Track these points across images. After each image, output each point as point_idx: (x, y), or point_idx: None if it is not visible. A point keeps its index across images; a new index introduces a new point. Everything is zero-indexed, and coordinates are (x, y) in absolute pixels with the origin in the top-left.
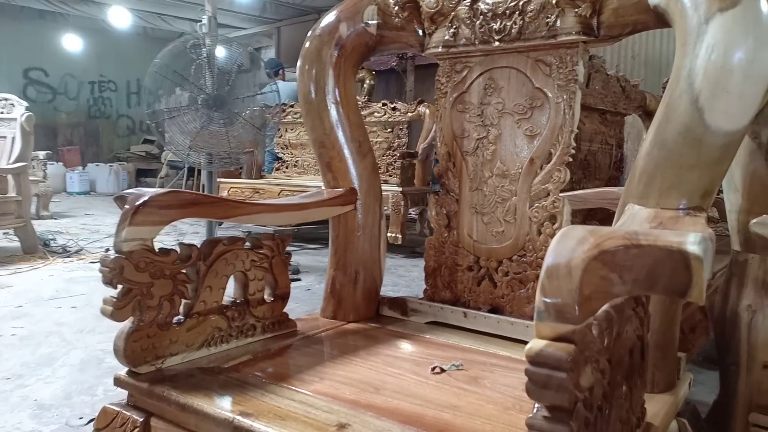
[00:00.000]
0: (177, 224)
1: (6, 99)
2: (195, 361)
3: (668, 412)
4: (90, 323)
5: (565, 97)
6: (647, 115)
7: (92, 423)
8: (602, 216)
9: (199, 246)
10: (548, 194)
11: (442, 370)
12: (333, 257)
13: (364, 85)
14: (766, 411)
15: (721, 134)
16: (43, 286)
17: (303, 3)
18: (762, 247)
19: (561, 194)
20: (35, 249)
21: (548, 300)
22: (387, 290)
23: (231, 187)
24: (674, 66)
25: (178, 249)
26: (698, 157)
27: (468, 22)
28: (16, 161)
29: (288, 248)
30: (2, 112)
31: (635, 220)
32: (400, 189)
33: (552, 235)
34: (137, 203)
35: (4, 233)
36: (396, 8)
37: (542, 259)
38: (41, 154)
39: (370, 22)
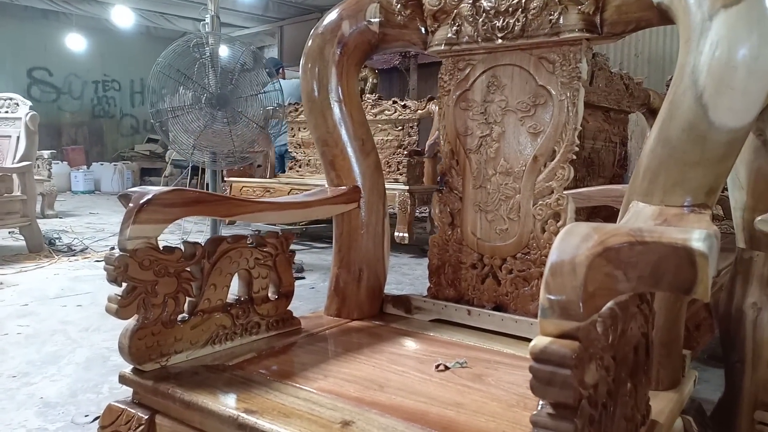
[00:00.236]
0: (182, 223)
1: (10, 98)
2: (199, 358)
3: (673, 409)
4: (95, 321)
5: (568, 94)
6: (651, 112)
7: (97, 420)
8: (606, 214)
9: (203, 244)
10: (552, 192)
11: (446, 368)
12: (337, 255)
13: (368, 84)
14: None
15: (726, 131)
16: (48, 284)
17: (305, 2)
18: (767, 244)
19: (565, 192)
20: (40, 248)
21: (552, 297)
22: (391, 288)
23: (243, 186)
24: (678, 63)
25: (182, 247)
26: (702, 154)
27: (471, 19)
28: (20, 160)
29: (295, 247)
30: (7, 112)
31: (639, 217)
32: (407, 187)
33: (556, 233)
34: (141, 201)
35: (10, 232)
36: (398, 6)
37: (546, 256)
38: (46, 153)
39: (372, 20)
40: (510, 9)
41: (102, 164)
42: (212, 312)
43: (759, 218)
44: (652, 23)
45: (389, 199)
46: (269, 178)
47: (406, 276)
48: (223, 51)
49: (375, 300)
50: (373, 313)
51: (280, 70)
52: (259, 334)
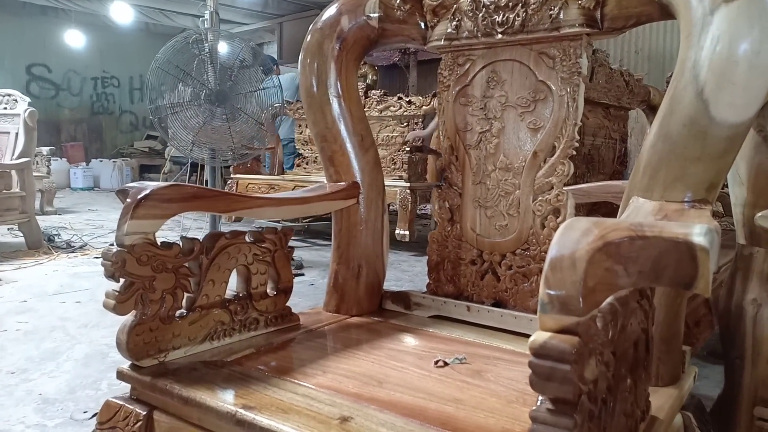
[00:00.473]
0: (181, 220)
1: (9, 95)
2: (198, 354)
3: (673, 405)
4: (94, 318)
5: (568, 89)
6: (651, 109)
7: (96, 417)
8: (606, 210)
9: (201, 240)
10: (552, 187)
11: (446, 364)
12: (336, 251)
13: (367, 81)
14: None
15: (726, 126)
16: (47, 281)
17: None
18: (767, 240)
19: (564, 188)
20: (39, 244)
21: (552, 292)
22: (390, 285)
23: (249, 183)
24: (679, 58)
25: (180, 243)
26: (703, 150)
27: (470, 14)
28: (19, 157)
29: (295, 244)
30: (5, 108)
31: (640, 212)
32: (408, 185)
33: (555, 229)
34: (139, 197)
35: (9, 229)
36: (398, 1)
37: (546, 252)
38: (45, 149)
39: (371, 15)
40: (510, 4)
41: (101, 161)
42: (210, 308)
43: (759, 214)
44: (652, 18)
45: (392, 196)
46: (277, 174)
47: (406, 273)
48: (222, 47)
49: (374, 296)
50: (372, 309)
51: (275, 68)
52: (258, 330)
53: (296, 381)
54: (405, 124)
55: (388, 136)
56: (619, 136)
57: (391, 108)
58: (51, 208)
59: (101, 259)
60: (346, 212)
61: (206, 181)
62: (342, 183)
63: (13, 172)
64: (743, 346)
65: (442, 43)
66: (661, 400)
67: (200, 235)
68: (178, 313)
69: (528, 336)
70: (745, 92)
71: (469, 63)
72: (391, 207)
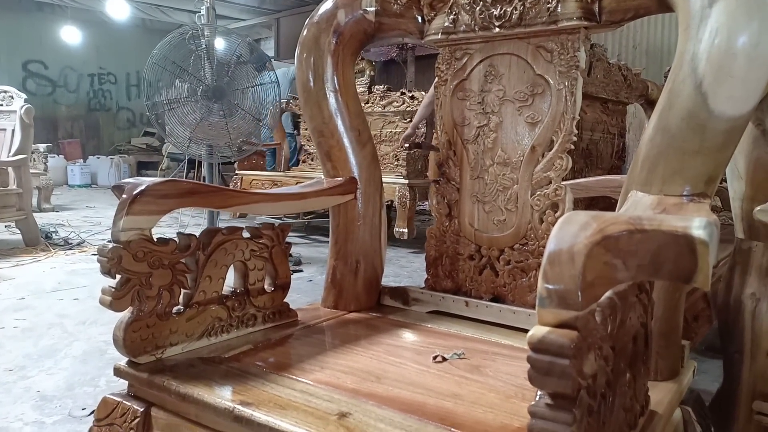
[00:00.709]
0: (179, 216)
1: (5, 91)
2: (195, 351)
3: (672, 399)
4: (92, 315)
5: (566, 83)
6: (649, 104)
7: None
8: (604, 205)
9: (197, 236)
10: (550, 182)
11: (444, 359)
12: (333, 247)
13: (365, 76)
14: None
15: (725, 119)
16: (45, 278)
17: None
18: (766, 234)
19: (563, 182)
20: (37, 241)
21: (550, 286)
22: (389, 281)
23: (253, 180)
24: (677, 51)
25: (176, 239)
26: (702, 143)
27: (468, 8)
28: (16, 154)
29: (294, 240)
30: (1, 105)
31: (638, 206)
32: (407, 181)
33: (554, 223)
34: (135, 192)
35: (6, 226)
36: None
37: (544, 247)
38: (42, 146)
39: (368, 8)
40: None
41: (98, 158)
42: (208, 304)
43: (758, 208)
44: (650, 11)
45: (391, 193)
46: (283, 171)
47: (404, 269)
48: (219, 43)
49: (372, 292)
50: (370, 305)
51: (266, 64)
52: (256, 326)
53: (294, 377)
54: (408, 119)
55: (391, 132)
56: (617, 130)
57: (394, 104)
58: (48, 205)
59: (97, 255)
60: (344, 208)
61: (203, 177)
62: (339, 178)
63: (10, 169)
64: (742, 341)
65: (440, 37)
66: (660, 394)
67: (198, 232)
68: (175, 309)
69: (527, 331)
70: (743, 85)
71: (466, 57)
72: (390, 203)
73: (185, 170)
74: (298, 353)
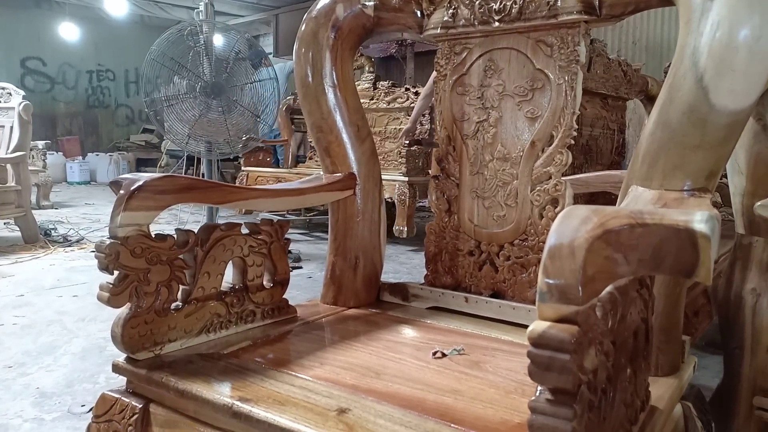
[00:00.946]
0: (178, 213)
1: (3, 88)
2: (194, 347)
3: (672, 395)
4: (91, 312)
5: (566, 78)
6: (649, 99)
7: None
8: (604, 201)
9: (196, 232)
10: (550, 177)
11: (444, 355)
12: (333, 243)
13: (364, 72)
14: None
15: (726, 113)
16: (44, 275)
17: None
18: (766, 230)
19: (563, 178)
20: (36, 238)
21: (551, 281)
22: (388, 277)
23: (258, 176)
24: (678, 44)
25: (174, 235)
26: (703, 137)
27: (467, 2)
28: (14, 150)
29: (294, 237)
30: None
31: (639, 201)
32: (407, 179)
33: (554, 219)
34: (132, 188)
35: (5, 223)
36: None
37: (544, 243)
38: (40, 143)
39: (367, 3)
40: None
41: (97, 155)
42: (206, 300)
43: (759, 203)
44: (651, 4)
45: (392, 190)
46: (290, 167)
47: (404, 265)
48: (218, 40)
49: (371, 288)
50: (369, 301)
51: (263, 60)
52: (255, 323)
53: (293, 373)
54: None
55: (396, 128)
56: (617, 126)
57: (398, 99)
58: (47, 202)
59: (95, 251)
60: (343, 203)
61: (203, 174)
62: (338, 174)
63: (9, 166)
64: (742, 336)
65: (439, 31)
66: (660, 390)
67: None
68: (173, 305)
69: (526, 327)
70: (745, 79)
71: (466, 52)
72: (391, 200)
73: (184, 167)
74: (297, 349)
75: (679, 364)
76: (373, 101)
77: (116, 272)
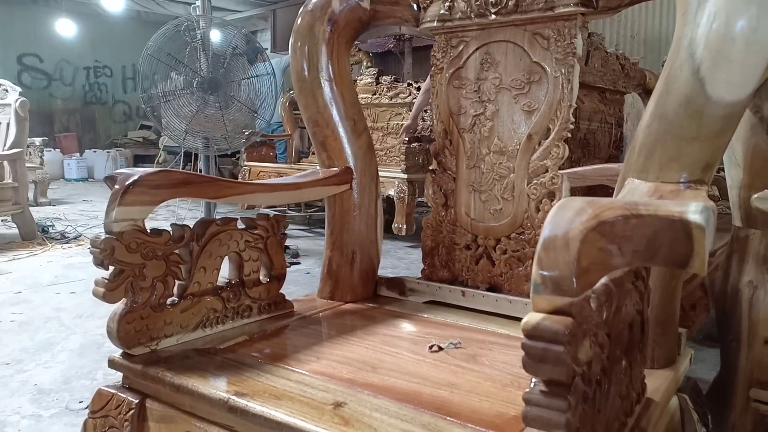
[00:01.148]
0: (175, 209)
1: (0, 85)
2: (190, 342)
3: (669, 387)
4: (88, 308)
5: (563, 71)
6: (647, 93)
7: None
8: (602, 194)
9: (191, 226)
10: (547, 170)
11: (440, 349)
12: (329, 238)
13: (362, 67)
14: (767, 386)
15: (723, 105)
16: (41, 272)
17: None
18: (763, 222)
19: (559, 171)
20: (33, 235)
21: (545, 272)
22: (386, 272)
23: (260, 171)
24: (675, 36)
25: (170, 229)
26: (699, 129)
27: None
28: (11, 147)
29: (292, 232)
30: None
31: (635, 193)
32: (406, 176)
33: None
34: (127, 183)
35: (2, 220)
36: None
37: None
38: (38, 140)
39: None
40: None
41: (95, 151)
42: (202, 295)
43: (755, 196)
44: None
45: (389, 186)
46: (293, 162)
47: (402, 260)
48: (215, 35)
49: (368, 282)
50: (366, 296)
51: (258, 56)
52: (251, 318)
53: (290, 367)
54: None
55: (398, 124)
56: (614, 120)
57: (401, 95)
58: (45, 199)
59: (90, 246)
60: (339, 198)
61: (200, 170)
62: (335, 168)
63: (6, 163)
64: (739, 329)
65: (435, 24)
66: (656, 382)
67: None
68: (169, 300)
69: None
70: (742, 70)
71: (462, 45)
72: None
73: (182, 163)
74: (294, 344)
75: (675, 356)
76: (376, 96)
77: (111, 267)
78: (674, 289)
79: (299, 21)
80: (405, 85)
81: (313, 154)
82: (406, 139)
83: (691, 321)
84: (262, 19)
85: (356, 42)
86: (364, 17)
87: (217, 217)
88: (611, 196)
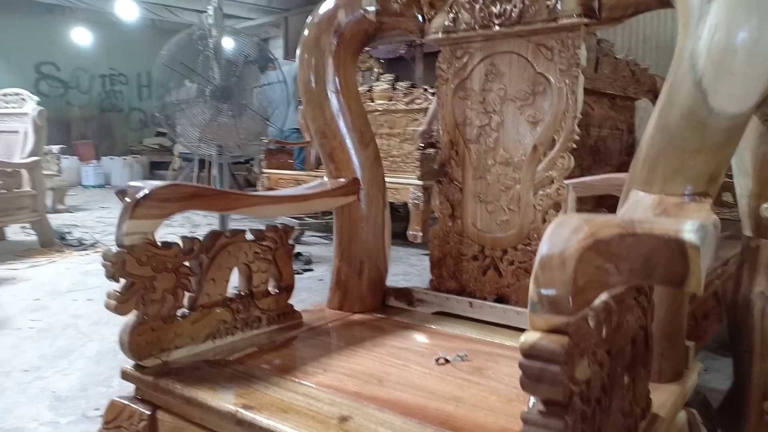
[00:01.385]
0: (191, 216)
1: (17, 94)
2: (200, 353)
3: (675, 402)
4: (105, 315)
5: (567, 81)
6: (657, 99)
7: None
8: (612, 203)
9: (201, 239)
10: (552, 181)
11: (447, 361)
12: (338, 248)
13: (373, 74)
14: None
15: (726, 117)
16: (59, 279)
17: None
18: None
19: (566, 181)
20: (52, 242)
21: (542, 291)
22: (398, 279)
23: (279, 178)
24: (676, 47)
25: (180, 242)
26: (702, 142)
27: (467, 6)
28: (29, 156)
29: (306, 239)
30: (14, 107)
31: (638, 207)
32: (421, 183)
33: None
34: (137, 197)
35: (21, 227)
36: None
37: None
38: (55, 148)
39: (368, 8)
40: None
41: (112, 158)
42: (212, 307)
43: (765, 205)
44: (650, 7)
45: (406, 194)
46: (312, 169)
47: (414, 267)
48: (228, 43)
49: (377, 293)
50: (375, 306)
51: (269, 65)
52: (260, 329)
53: (297, 380)
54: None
55: (415, 130)
56: (626, 126)
57: (417, 101)
58: (63, 206)
59: (102, 260)
60: (347, 209)
61: (214, 177)
62: (342, 179)
63: (24, 171)
64: (751, 340)
65: (440, 36)
66: (663, 396)
67: (210, 231)
68: (179, 312)
69: None
70: (744, 82)
71: (467, 56)
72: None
73: (196, 170)
74: (302, 355)
75: (683, 370)
76: (392, 102)
77: (123, 280)
78: (680, 302)
79: (306, 33)
80: (421, 90)
81: None
82: (421, 145)
83: (704, 331)
84: (275, 27)
85: (367, 48)
86: (369, 29)
87: (228, 228)
88: None
